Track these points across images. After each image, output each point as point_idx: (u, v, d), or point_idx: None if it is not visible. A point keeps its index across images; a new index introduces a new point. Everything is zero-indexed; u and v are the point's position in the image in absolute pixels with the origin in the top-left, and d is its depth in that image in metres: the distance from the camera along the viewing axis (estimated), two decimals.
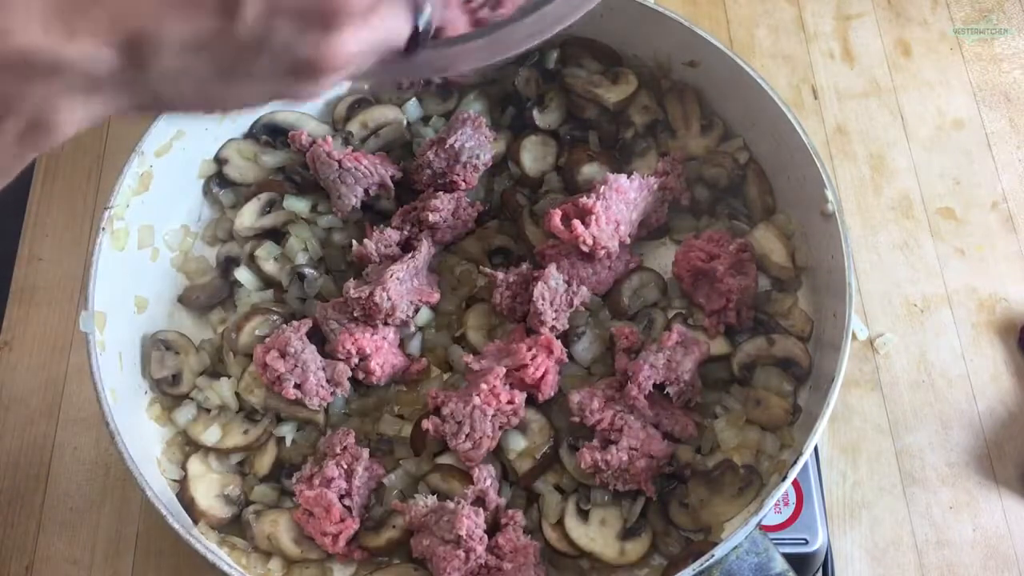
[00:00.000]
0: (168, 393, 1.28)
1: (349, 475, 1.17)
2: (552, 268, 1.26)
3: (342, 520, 1.15)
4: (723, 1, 1.74)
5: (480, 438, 1.17)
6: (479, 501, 1.16)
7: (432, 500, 1.16)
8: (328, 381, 1.23)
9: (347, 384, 1.23)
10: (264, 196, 1.38)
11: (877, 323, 1.45)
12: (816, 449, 1.30)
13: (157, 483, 1.16)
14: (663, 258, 1.37)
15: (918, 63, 1.67)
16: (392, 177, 1.37)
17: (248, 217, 1.36)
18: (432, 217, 1.31)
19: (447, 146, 1.33)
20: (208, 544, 1.13)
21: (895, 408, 1.39)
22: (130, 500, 1.35)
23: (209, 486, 1.21)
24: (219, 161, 1.40)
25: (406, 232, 1.33)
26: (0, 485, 1.37)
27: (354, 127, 1.43)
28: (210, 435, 1.23)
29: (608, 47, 1.44)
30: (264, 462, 1.24)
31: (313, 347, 1.23)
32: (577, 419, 1.20)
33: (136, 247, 1.30)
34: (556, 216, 1.27)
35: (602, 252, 1.26)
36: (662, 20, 1.35)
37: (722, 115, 1.41)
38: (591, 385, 1.22)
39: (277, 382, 1.20)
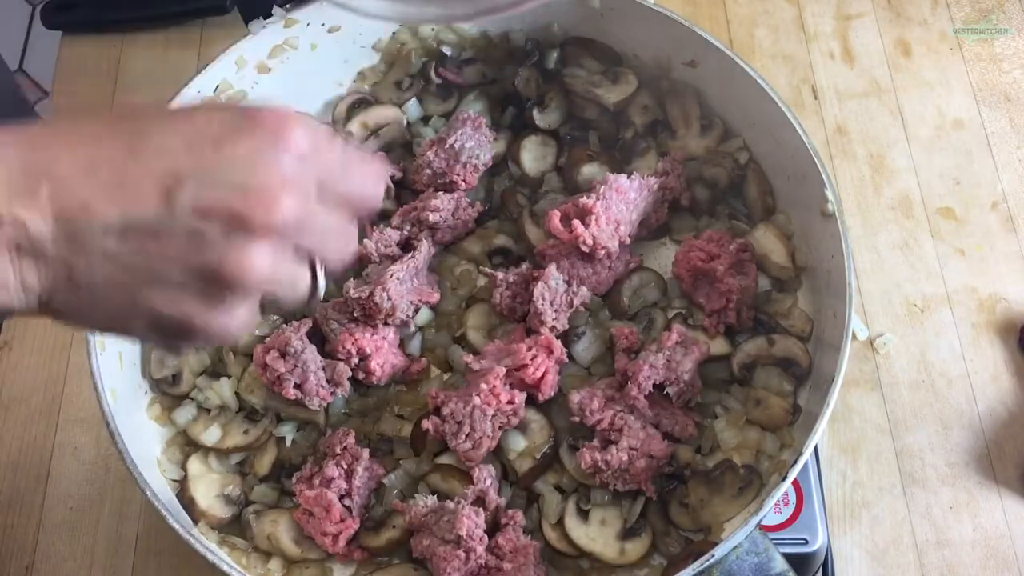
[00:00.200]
0: (168, 393, 1.28)
1: (349, 475, 1.17)
2: (552, 268, 1.26)
3: (342, 520, 1.15)
4: (723, 1, 1.74)
5: (480, 438, 1.17)
6: (479, 501, 1.16)
7: (432, 500, 1.16)
8: (328, 381, 1.23)
9: (347, 384, 1.23)
10: None
11: (877, 323, 1.45)
12: (816, 449, 1.30)
13: (157, 483, 1.16)
14: (663, 258, 1.37)
15: (918, 63, 1.67)
16: (392, 177, 1.37)
17: None
18: (432, 217, 1.31)
19: (447, 146, 1.33)
20: (208, 544, 1.13)
21: (895, 408, 1.39)
22: (130, 500, 1.35)
23: (209, 486, 1.21)
24: None
25: (406, 232, 1.33)
26: (0, 485, 1.37)
27: (354, 127, 1.43)
28: (210, 435, 1.23)
29: (608, 47, 1.44)
30: (264, 462, 1.24)
31: (313, 347, 1.23)
32: (577, 419, 1.20)
33: None
34: (555, 217, 1.27)
35: (602, 252, 1.26)
36: (662, 20, 1.35)
37: (722, 115, 1.41)
38: (591, 385, 1.22)
39: (277, 382, 1.20)
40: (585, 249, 1.25)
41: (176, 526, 1.08)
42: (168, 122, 0.70)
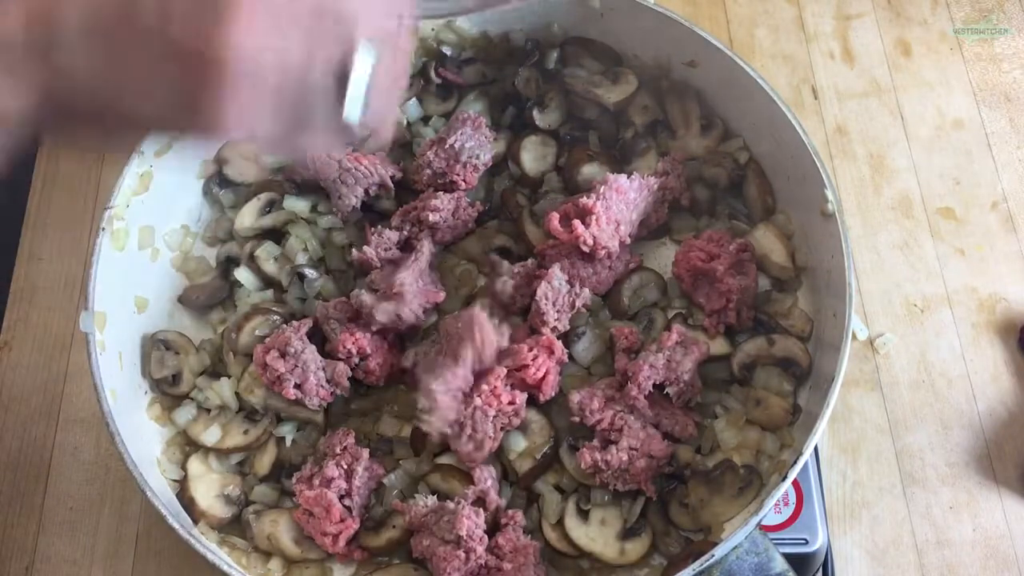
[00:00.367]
0: (168, 393, 1.28)
1: (349, 475, 1.17)
2: (556, 268, 1.26)
3: (342, 520, 1.15)
4: (723, 1, 1.74)
5: (482, 439, 1.17)
6: (479, 501, 1.16)
7: (432, 500, 1.16)
8: (328, 381, 1.23)
9: (347, 384, 1.23)
10: (264, 196, 1.38)
11: (877, 323, 1.45)
12: (816, 449, 1.30)
13: (157, 483, 1.16)
14: (663, 258, 1.37)
15: (918, 63, 1.67)
16: (392, 177, 1.37)
17: (248, 217, 1.36)
18: (432, 217, 1.31)
19: (447, 146, 1.33)
20: (208, 544, 1.13)
21: (895, 408, 1.39)
22: (130, 500, 1.35)
23: (209, 486, 1.21)
24: (219, 161, 1.40)
25: (406, 232, 1.33)
26: (0, 485, 1.37)
27: None
28: (210, 435, 1.23)
29: (608, 47, 1.44)
30: (264, 462, 1.24)
31: (313, 347, 1.23)
32: (577, 419, 1.20)
33: (136, 247, 1.30)
34: (555, 219, 1.27)
35: (602, 252, 1.26)
36: (662, 20, 1.35)
37: (722, 115, 1.41)
38: (591, 385, 1.22)
39: (277, 382, 1.20)
40: (585, 249, 1.25)
41: (176, 526, 1.08)
42: None
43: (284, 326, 1.25)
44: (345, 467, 1.18)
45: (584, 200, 1.27)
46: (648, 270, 1.34)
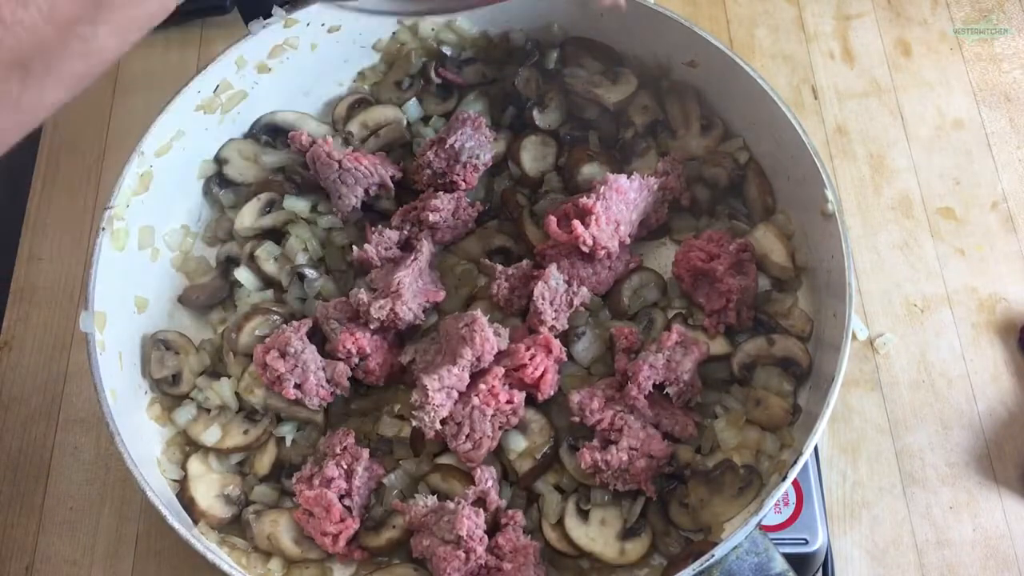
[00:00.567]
0: (168, 393, 1.28)
1: (349, 475, 1.17)
2: (553, 268, 1.26)
3: (342, 520, 1.15)
4: (723, 1, 1.74)
5: (480, 438, 1.17)
6: (479, 502, 1.16)
7: (432, 500, 1.16)
8: (328, 381, 1.23)
9: (347, 384, 1.23)
10: (264, 196, 1.38)
11: (877, 323, 1.45)
12: (816, 449, 1.30)
13: (157, 483, 1.16)
14: (663, 258, 1.37)
15: (918, 63, 1.67)
16: (392, 177, 1.37)
17: (248, 217, 1.36)
18: (432, 217, 1.31)
19: (447, 146, 1.33)
20: (208, 544, 1.13)
21: (895, 408, 1.39)
22: (130, 500, 1.35)
23: (209, 486, 1.21)
24: (219, 161, 1.40)
25: (406, 232, 1.33)
26: (0, 485, 1.37)
27: (354, 127, 1.43)
28: (210, 435, 1.23)
29: (608, 47, 1.44)
30: (264, 462, 1.24)
31: (313, 347, 1.23)
32: (577, 419, 1.20)
33: (136, 247, 1.30)
34: (553, 223, 1.27)
35: (602, 252, 1.26)
36: (662, 20, 1.35)
37: (722, 115, 1.41)
38: (591, 385, 1.22)
39: (277, 382, 1.20)
40: (585, 249, 1.25)
41: (176, 526, 1.08)
42: None
43: (284, 326, 1.25)
44: (345, 467, 1.18)
45: (584, 200, 1.27)
46: (648, 270, 1.34)
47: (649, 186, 1.32)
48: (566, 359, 1.25)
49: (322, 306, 1.27)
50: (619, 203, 1.28)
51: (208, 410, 1.27)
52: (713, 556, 1.02)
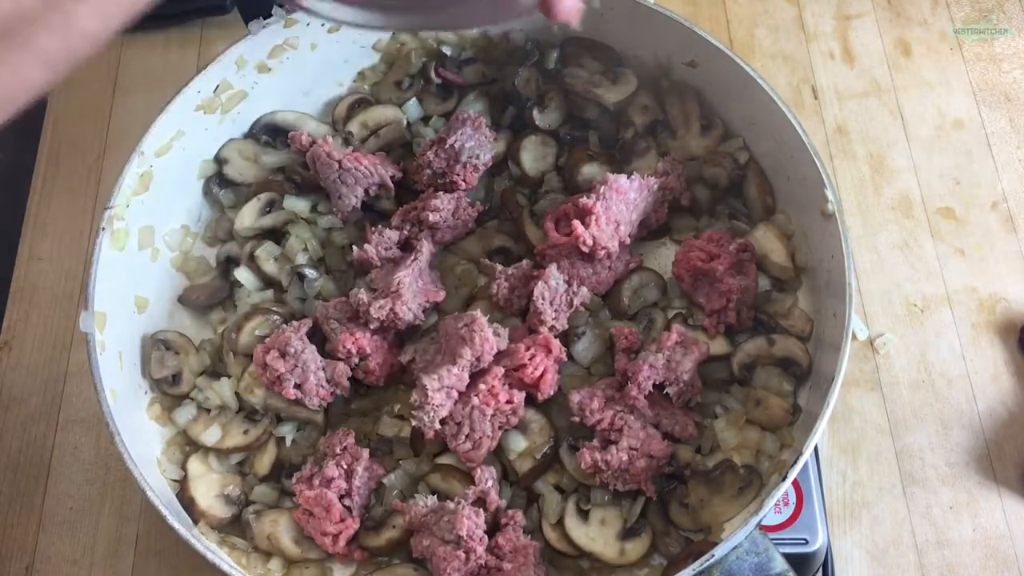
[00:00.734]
0: (168, 393, 1.28)
1: (349, 475, 1.17)
2: (552, 268, 1.26)
3: (342, 520, 1.15)
4: (723, 1, 1.74)
5: (480, 438, 1.17)
6: (479, 502, 1.16)
7: (432, 500, 1.16)
8: (328, 381, 1.23)
9: (347, 384, 1.23)
10: (264, 196, 1.38)
11: (877, 323, 1.45)
12: (816, 449, 1.30)
13: (157, 483, 1.16)
14: (663, 258, 1.37)
15: (918, 63, 1.67)
16: (392, 177, 1.37)
17: (248, 217, 1.36)
18: (432, 217, 1.31)
19: (447, 146, 1.33)
20: (208, 544, 1.13)
21: (895, 408, 1.39)
22: (130, 500, 1.35)
23: (209, 486, 1.21)
24: (219, 161, 1.40)
25: (406, 232, 1.33)
26: (0, 485, 1.37)
27: (354, 127, 1.43)
28: (210, 435, 1.23)
29: (608, 47, 1.44)
30: (264, 462, 1.24)
31: (313, 347, 1.23)
32: (577, 419, 1.20)
33: (136, 247, 1.30)
34: (552, 229, 1.27)
35: (602, 252, 1.26)
36: (662, 20, 1.35)
37: (722, 115, 1.41)
38: (591, 385, 1.22)
39: (277, 382, 1.20)
40: (585, 249, 1.25)
41: (176, 526, 1.08)
42: None
43: (284, 326, 1.25)
44: (345, 467, 1.18)
45: (584, 200, 1.27)
46: (648, 270, 1.34)
47: (649, 186, 1.32)
48: (566, 359, 1.25)
49: (322, 306, 1.27)
50: (619, 203, 1.28)
51: (208, 410, 1.27)
52: (713, 556, 1.02)
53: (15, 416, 1.42)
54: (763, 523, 1.09)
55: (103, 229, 1.23)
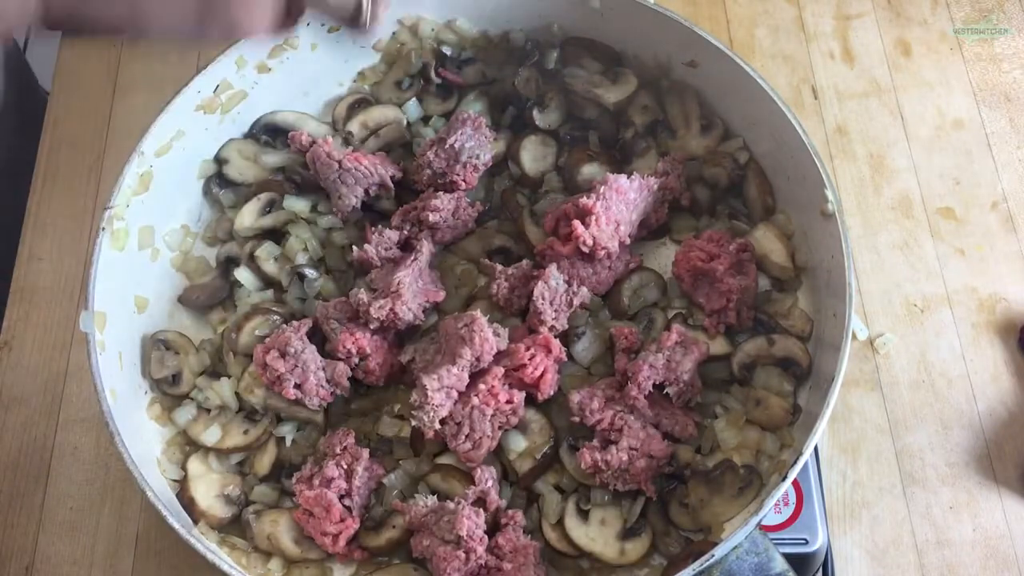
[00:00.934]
0: (168, 393, 1.28)
1: (349, 475, 1.17)
2: (553, 268, 1.26)
3: (342, 520, 1.15)
4: (723, 1, 1.74)
5: (480, 438, 1.17)
6: (480, 502, 1.16)
7: (432, 500, 1.16)
8: (328, 381, 1.23)
9: (347, 384, 1.23)
10: (264, 196, 1.38)
11: (877, 323, 1.45)
12: (816, 449, 1.30)
13: (157, 483, 1.16)
14: (663, 258, 1.37)
15: (918, 63, 1.67)
16: (392, 177, 1.37)
17: (248, 217, 1.36)
18: (432, 217, 1.31)
19: (447, 146, 1.33)
20: (208, 544, 1.13)
21: (895, 408, 1.39)
22: (130, 500, 1.35)
23: (209, 486, 1.21)
24: (219, 161, 1.40)
25: (406, 232, 1.34)
26: (0, 485, 1.37)
27: (354, 127, 1.43)
28: (210, 435, 1.23)
29: (608, 47, 1.44)
30: (264, 462, 1.24)
31: (313, 347, 1.23)
32: (577, 419, 1.20)
33: (136, 247, 1.30)
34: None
35: (602, 252, 1.26)
36: (662, 20, 1.35)
37: (722, 115, 1.41)
38: (591, 385, 1.22)
39: (277, 382, 1.20)
40: (585, 249, 1.25)
41: (176, 526, 1.08)
42: None
43: (284, 326, 1.25)
44: (345, 467, 1.18)
45: (584, 200, 1.27)
46: (648, 270, 1.34)
47: (649, 186, 1.32)
48: (566, 359, 1.25)
49: (322, 306, 1.27)
50: (619, 203, 1.28)
51: (208, 410, 1.27)
52: (713, 556, 1.03)
53: (15, 416, 1.42)
54: (763, 523, 1.09)
55: (103, 229, 1.23)
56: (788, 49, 1.68)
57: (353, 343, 1.22)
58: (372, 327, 1.24)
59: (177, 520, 1.09)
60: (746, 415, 1.22)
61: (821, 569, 1.25)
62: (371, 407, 1.28)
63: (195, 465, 1.23)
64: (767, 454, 1.20)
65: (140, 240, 1.31)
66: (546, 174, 1.41)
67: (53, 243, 1.54)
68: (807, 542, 1.19)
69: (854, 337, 1.25)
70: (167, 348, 1.28)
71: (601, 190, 1.27)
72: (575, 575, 1.18)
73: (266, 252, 1.34)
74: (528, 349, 1.21)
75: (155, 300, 1.32)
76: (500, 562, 1.12)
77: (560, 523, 1.17)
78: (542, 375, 1.20)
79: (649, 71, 1.43)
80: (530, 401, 1.22)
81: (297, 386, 1.21)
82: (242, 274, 1.33)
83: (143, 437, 1.23)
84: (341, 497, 1.17)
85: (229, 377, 1.27)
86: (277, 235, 1.37)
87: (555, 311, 1.24)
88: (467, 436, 1.17)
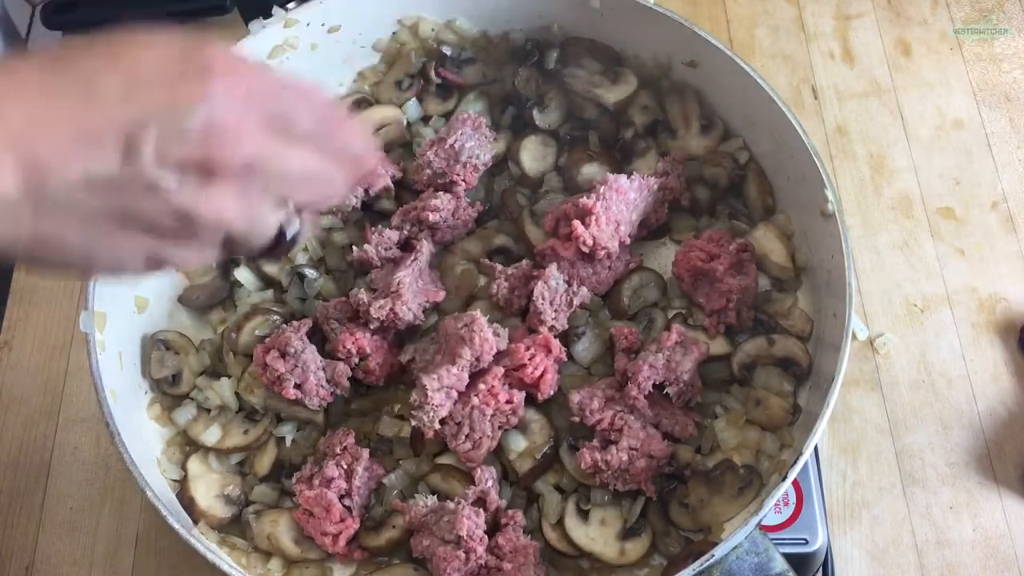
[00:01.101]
0: (168, 393, 1.28)
1: (349, 475, 1.17)
2: (552, 268, 1.26)
3: (342, 520, 1.15)
4: (723, 1, 1.74)
5: (480, 438, 1.17)
6: (480, 502, 1.16)
7: (432, 500, 1.16)
8: (328, 381, 1.23)
9: (347, 384, 1.23)
10: None
11: (877, 323, 1.45)
12: (816, 449, 1.30)
13: (157, 483, 1.16)
14: (663, 258, 1.37)
15: (918, 63, 1.67)
16: (392, 177, 1.37)
17: None
18: (432, 217, 1.31)
19: (447, 146, 1.33)
20: (208, 544, 1.13)
21: (895, 408, 1.39)
22: (130, 500, 1.35)
23: (209, 486, 1.21)
24: None
25: (406, 232, 1.34)
26: (0, 485, 1.37)
27: None
28: (210, 435, 1.23)
29: (608, 47, 1.44)
30: (264, 462, 1.24)
31: (313, 347, 1.23)
32: (577, 419, 1.20)
33: None
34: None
35: (602, 252, 1.26)
36: (662, 20, 1.35)
37: (722, 115, 1.41)
38: (591, 385, 1.22)
39: (277, 382, 1.20)
40: (585, 250, 1.25)
41: (176, 526, 1.08)
42: (113, 62, 0.69)
43: (284, 326, 1.25)
44: (345, 467, 1.18)
45: (584, 200, 1.27)
46: (648, 270, 1.34)
47: (649, 186, 1.32)
48: (566, 359, 1.25)
49: (322, 306, 1.27)
50: (619, 203, 1.28)
51: (208, 410, 1.27)
52: (713, 556, 1.02)
53: (15, 416, 1.42)
54: (763, 523, 1.09)
55: None
56: (788, 49, 1.68)
57: (353, 343, 1.22)
58: (372, 327, 1.24)
59: (177, 520, 1.09)
60: (746, 415, 1.22)
61: (821, 569, 1.25)
62: (371, 407, 1.28)
63: (195, 465, 1.23)
64: (767, 454, 1.20)
65: None
66: (546, 174, 1.41)
67: None
68: (807, 542, 1.19)
69: (854, 337, 1.25)
70: (167, 348, 1.28)
71: (601, 190, 1.27)
72: (575, 575, 1.18)
73: None
74: (528, 349, 1.21)
75: (155, 300, 1.32)
76: (500, 562, 1.12)
77: (560, 523, 1.17)
78: (542, 375, 1.20)
79: (649, 71, 1.43)
80: (530, 401, 1.22)
81: (297, 386, 1.21)
82: (242, 274, 1.33)
83: (143, 437, 1.23)
84: (341, 497, 1.17)
85: (229, 377, 1.27)
86: None
87: (555, 311, 1.24)
88: (467, 436, 1.17)
